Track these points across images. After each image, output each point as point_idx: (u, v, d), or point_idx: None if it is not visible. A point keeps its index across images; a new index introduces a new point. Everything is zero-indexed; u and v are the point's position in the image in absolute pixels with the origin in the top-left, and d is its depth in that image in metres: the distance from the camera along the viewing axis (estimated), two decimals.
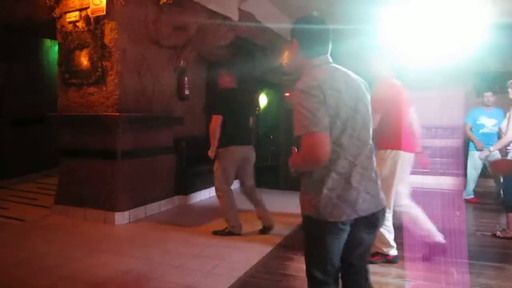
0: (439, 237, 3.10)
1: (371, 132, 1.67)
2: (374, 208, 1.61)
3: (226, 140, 3.75)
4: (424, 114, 6.32)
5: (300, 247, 3.39)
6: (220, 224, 4.23)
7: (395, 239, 3.15)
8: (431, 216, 3.18)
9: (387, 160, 2.98)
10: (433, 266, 2.98)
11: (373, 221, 1.63)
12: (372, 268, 3.02)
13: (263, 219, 3.96)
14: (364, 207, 1.56)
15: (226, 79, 3.97)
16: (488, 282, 2.76)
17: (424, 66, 5.91)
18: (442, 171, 6.69)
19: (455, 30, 5.44)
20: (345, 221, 1.54)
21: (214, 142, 3.71)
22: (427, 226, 3.10)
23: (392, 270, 2.99)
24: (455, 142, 6.60)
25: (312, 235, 1.63)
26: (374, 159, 1.67)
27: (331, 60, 1.67)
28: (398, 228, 3.87)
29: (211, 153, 3.75)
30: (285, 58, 6.78)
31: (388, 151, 3.00)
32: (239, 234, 3.85)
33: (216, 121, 3.69)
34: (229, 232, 3.86)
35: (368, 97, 1.69)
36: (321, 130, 1.46)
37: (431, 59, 5.79)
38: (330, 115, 1.50)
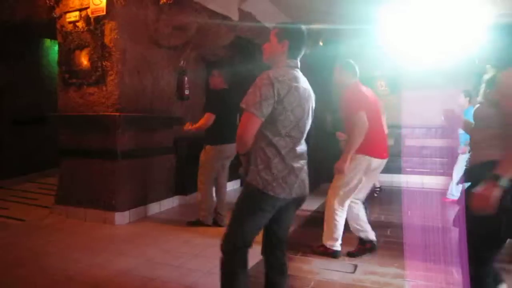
0: (373, 236, 3.30)
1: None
2: (302, 193, 1.93)
3: (217, 138, 3.99)
4: (424, 114, 6.37)
5: (300, 247, 3.42)
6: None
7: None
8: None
9: (355, 164, 3.09)
10: (433, 266, 2.98)
11: (299, 202, 1.96)
12: (372, 268, 3.04)
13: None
14: (297, 191, 1.88)
15: (218, 80, 4.14)
16: None
17: (424, 66, 5.91)
18: (442, 171, 6.69)
19: (455, 30, 5.44)
20: (281, 198, 1.82)
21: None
22: (366, 224, 3.31)
23: (392, 270, 3.00)
24: (454, 142, 6.60)
25: (251, 204, 1.86)
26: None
27: (299, 65, 1.98)
28: (399, 228, 3.89)
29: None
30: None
31: (360, 156, 3.09)
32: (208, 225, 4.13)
33: (210, 118, 3.91)
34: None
35: (313, 104, 1.99)
36: (259, 116, 1.74)
37: (431, 59, 5.79)
38: (287, 109, 1.79)
